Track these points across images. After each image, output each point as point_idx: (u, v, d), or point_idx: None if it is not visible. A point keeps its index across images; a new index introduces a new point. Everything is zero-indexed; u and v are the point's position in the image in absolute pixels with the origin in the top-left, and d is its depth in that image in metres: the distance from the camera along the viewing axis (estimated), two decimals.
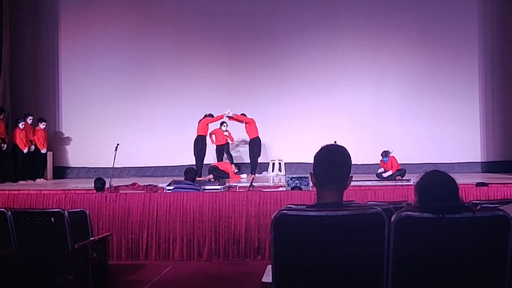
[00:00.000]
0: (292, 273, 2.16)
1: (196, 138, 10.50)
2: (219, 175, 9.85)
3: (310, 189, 6.89)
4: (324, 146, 2.29)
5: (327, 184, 2.22)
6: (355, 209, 2.14)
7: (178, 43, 12.13)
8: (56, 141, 11.81)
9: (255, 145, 10.82)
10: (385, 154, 9.83)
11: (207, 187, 7.72)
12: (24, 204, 6.81)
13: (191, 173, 7.34)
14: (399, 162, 9.87)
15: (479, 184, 7.01)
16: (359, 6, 11.83)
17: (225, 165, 10.64)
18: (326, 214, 2.09)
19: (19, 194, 7.30)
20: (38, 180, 10.66)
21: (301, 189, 7.06)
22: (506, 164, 10.96)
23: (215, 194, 6.73)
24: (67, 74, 12.44)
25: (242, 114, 10.85)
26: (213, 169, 10.38)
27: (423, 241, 2.11)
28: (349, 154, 2.25)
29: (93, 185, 7.30)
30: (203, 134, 10.53)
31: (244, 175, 10.79)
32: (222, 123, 10.86)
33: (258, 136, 10.82)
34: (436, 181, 2.22)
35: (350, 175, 2.26)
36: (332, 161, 2.23)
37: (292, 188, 7.12)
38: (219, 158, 10.88)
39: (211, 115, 10.71)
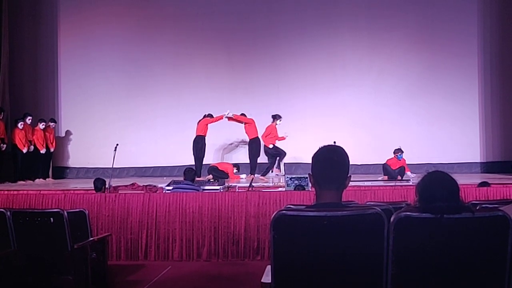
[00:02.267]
0: (292, 274, 2.16)
1: (195, 138, 10.49)
2: (219, 175, 9.85)
3: (310, 189, 6.88)
4: (322, 147, 2.30)
5: (326, 184, 2.23)
6: (355, 209, 2.14)
7: (178, 43, 12.11)
8: (56, 141, 11.79)
9: (254, 145, 10.80)
10: (400, 151, 9.78)
11: (206, 187, 7.71)
12: (23, 204, 6.81)
13: (191, 173, 7.34)
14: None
15: (481, 184, 6.97)
16: (359, 6, 11.82)
17: (224, 165, 10.63)
18: (326, 214, 2.09)
19: (18, 194, 7.29)
20: (37, 180, 10.66)
21: (304, 189, 7.05)
22: (506, 164, 10.96)
23: (214, 194, 6.72)
24: (67, 74, 12.42)
25: (242, 114, 10.83)
26: (212, 169, 10.37)
27: (422, 241, 2.11)
28: (347, 154, 2.26)
29: (92, 185, 7.29)
30: (203, 134, 10.51)
31: (243, 175, 10.79)
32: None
33: (257, 137, 10.80)
34: (436, 181, 2.22)
35: (349, 174, 2.26)
36: (330, 161, 2.23)
37: (295, 188, 7.11)
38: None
39: (210, 115, 10.70)
